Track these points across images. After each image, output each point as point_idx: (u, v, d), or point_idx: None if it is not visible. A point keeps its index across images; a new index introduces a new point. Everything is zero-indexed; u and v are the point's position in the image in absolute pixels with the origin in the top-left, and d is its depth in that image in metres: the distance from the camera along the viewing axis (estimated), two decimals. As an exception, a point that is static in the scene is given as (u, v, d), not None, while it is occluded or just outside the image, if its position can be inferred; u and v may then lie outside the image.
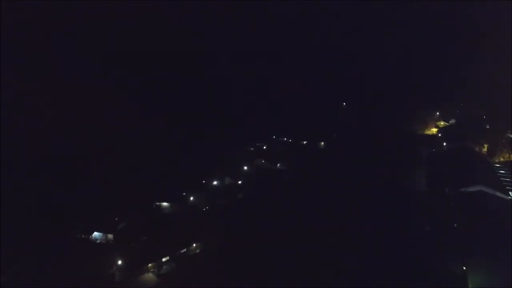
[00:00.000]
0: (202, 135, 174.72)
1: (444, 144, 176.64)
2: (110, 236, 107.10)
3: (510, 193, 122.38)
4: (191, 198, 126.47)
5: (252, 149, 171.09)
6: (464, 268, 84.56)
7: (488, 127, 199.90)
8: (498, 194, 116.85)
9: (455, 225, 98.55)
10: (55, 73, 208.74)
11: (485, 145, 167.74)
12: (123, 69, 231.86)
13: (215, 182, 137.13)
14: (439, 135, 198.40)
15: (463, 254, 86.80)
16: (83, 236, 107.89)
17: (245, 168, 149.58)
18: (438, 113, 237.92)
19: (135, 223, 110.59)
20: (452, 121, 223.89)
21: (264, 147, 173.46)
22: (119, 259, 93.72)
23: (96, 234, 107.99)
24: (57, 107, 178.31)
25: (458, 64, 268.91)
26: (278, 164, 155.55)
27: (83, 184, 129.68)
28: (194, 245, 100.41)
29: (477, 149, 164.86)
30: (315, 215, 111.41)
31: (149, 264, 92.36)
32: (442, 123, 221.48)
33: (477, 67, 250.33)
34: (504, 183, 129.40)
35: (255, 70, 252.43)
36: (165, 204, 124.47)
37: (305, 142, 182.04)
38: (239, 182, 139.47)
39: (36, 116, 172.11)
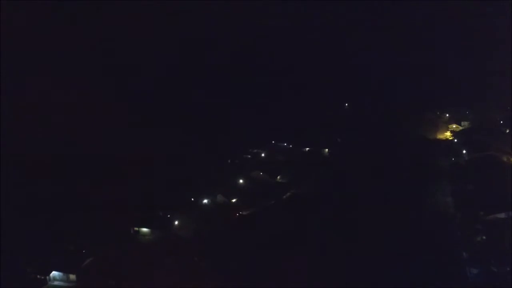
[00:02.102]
0: (190, 141, 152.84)
1: (464, 152, 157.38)
2: (72, 277, 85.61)
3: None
4: (176, 222, 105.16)
5: (249, 156, 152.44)
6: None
7: (508, 131, 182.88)
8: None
9: (508, 269, 78.31)
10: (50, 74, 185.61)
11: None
12: (111, 72, 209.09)
13: (205, 201, 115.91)
14: (455, 140, 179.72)
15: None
16: (38, 277, 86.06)
17: (241, 181, 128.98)
18: (448, 115, 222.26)
19: (105, 258, 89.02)
20: (465, 123, 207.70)
21: (263, 155, 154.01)
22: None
23: (54, 273, 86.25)
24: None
25: (463, 64, 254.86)
26: (278, 177, 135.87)
27: (43, 203, 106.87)
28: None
29: (504, 159, 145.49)
30: (324, 244, 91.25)
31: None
32: (455, 126, 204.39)
33: (483, 66, 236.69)
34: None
35: (253, 69, 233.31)
36: (144, 230, 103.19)
37: (307, 148, 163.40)
38: (234, 200, 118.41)
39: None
